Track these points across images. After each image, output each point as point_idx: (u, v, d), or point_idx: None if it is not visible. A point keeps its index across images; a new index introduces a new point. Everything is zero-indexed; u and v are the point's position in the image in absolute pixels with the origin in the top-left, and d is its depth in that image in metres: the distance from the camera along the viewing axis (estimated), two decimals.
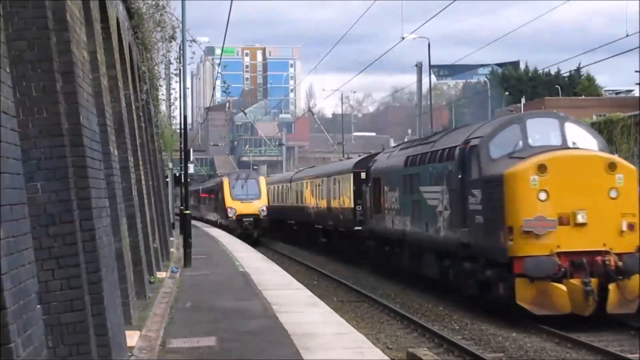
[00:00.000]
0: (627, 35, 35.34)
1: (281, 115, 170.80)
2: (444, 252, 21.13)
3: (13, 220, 5.86)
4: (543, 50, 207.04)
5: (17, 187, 6.11)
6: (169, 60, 30.27)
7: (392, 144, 63.17)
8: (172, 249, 30.47)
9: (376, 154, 32.67)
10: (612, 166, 17.47)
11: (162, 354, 11.25)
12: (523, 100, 68.69)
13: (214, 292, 18.31)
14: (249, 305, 15.69)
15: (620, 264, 16.90)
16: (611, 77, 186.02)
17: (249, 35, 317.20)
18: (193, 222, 34.09)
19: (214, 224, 54.32)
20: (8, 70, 6.17)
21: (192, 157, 43.29)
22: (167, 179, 43.81)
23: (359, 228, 31.75)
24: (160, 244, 24.26)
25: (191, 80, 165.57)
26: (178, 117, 40.88)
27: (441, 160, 21.23)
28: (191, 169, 42.62)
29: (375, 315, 20.40)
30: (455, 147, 20.24)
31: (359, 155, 39.08)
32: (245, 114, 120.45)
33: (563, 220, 17.14)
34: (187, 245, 25.02)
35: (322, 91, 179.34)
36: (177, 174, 45.78)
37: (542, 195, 17.18)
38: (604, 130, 28.39)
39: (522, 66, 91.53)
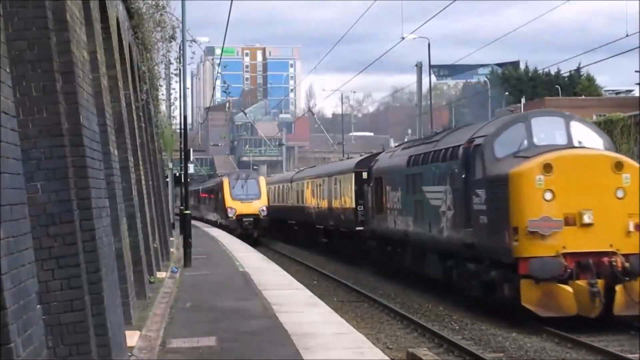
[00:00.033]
0: (627, 35, 35.36)
1: (281, 115, 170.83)
2: (447, 253, 20.87)
3: (13, 220, 5.86)
4: (543, 50, 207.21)
5: (17, 187, 6.11)
6: (169, 60, 30.30)
7: (392, 144, 63.21)
8: (172, 249, 30.47)
9: (378, 154, 32.46)
10: (618, 165, 17.20)
11: (162, 354, 11.25)
12: (523, 100, 68.69)
13: (214, 292, 18.30)
14: (249, 305, 15.69)
15: (627, 265, 16.60)
16: (611, 77, 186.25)
17: (249, 35, 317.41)
18: (193, 222, 34.09)
19: (214, 224, 54.33)
20: (8, 70, 6.17)
21: (192, 157, 43.30)
22: (167, 179, 43.82)
23: (361, 228, 31.51)
24: (160, 244, 24.26)
25: (191, 80, 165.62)
26: (178, 117, 40.94)
27: (444, 160, 20.97)
28: (191, 169, 42.63)
29: (375, 315, 20.40)
30: (459, 146, 19.98)
31: (361, 155, 38.89)
32: (245, 114, 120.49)
33: (569, 221, 16.90)
34: (187, 245, 25.02)
35: (322, 91, 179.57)
36: (177, 174, 45.78)
37: (548, 195, 16.95)
38: (604, 130, 28.36)
39: (522, 66, 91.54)
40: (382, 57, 49.71)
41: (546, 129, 18.46)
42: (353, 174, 33.59)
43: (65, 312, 7.97)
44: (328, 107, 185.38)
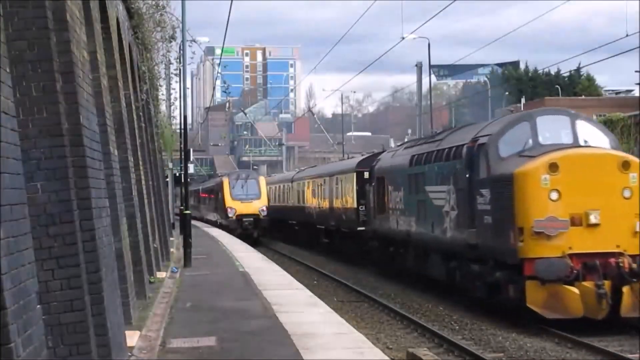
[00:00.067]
0: (627, 35, 35.34)
1: (281, 115, 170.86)
2: (451, 253, 20.59)
3: (13, 220, 5.86)
4: (543, 50, 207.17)
5: (17, 187, 6.11)
6: (169, 60, 30.30)
7: (392, 144, 63.20)
8: (172, 249, 30.47)
9: (380, 153, 32.22)
10: (625, 165, 16.94)
11: (162, 354, 11.25)
12: (523, 100, 68.71)
13: (214, 292, 18.31)
14: (249, 305, 15.69)
15: (634, 265, 16.32)
16: (611, 77, 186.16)
17: (249, 35, 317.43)
18: (193, 222, 34.08)
19: (214, 224, 54.32)
20: (8, 70, 6.17)
21: (192, 157, 43.29)
22: (167, 179, 43.82)
23: (362, 228, 31.24)
24: (160, 244, 24.26)
25: (191, 80, 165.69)
26: (178, 117, 40.94)
27: (448, 159, 20.68)
28: (191, 169, 42.62)
29: (375, 315, 20.40)
30: (463, 145, 19.71)
31: (362, 155, 38.75)
32: (245, 114, 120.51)
33: (575, 221, 16.65)
34: (187, 245, 25.03)
35: (322, 91, 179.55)
36: (177, 174, 45.79)
37: (554, 195, 16.70)
38: None
39: (522, 66, 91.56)
40: (382, 57, 49.73)
41: (551, 127, 18.18)
42: (355, 174, 33.34)
43: (65, 312, 7.97)
44: (328, 107, 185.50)
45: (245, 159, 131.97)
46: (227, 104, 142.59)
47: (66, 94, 8.62)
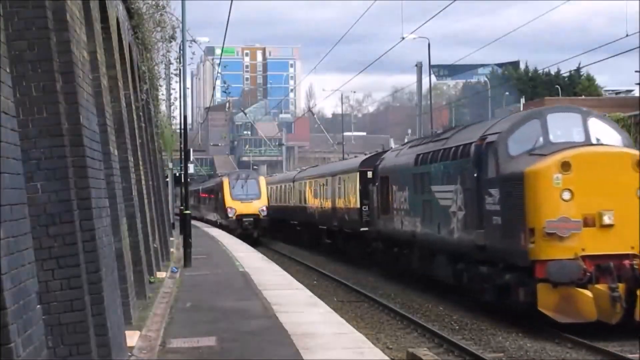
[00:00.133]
0: (627, 35, 35.36)
1: (281, 115, 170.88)
2: (458, 255, 20.07)
3: (13, 220, 5.86)
4: (543, 50, 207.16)
5: (17, 187, 6.11)
6: (169, 60, 30.29)
7: (392, 144, 63.18)
8: (172, 249, 30.48)
9: (383, 153, 31.86)
10: None
11: (162, 354, 11.25)
12: (523, 100, 68.71)
13: (214, 292, 18.31)
14: (249, 305, 15.69)
15: None
16: (611, 77, 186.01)
17: (249, 35, 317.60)
18: (193, 222, 34.10)
19: (214, 224, 54.33)
20: (8, 70, 6.17)
21: (192, 157, 43.30)
22: (167, 179, 43.82)
23: (366, 229, 30.72)
24: (160, 244, 24.26)
25: (191, 80, 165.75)
26: (178, 117, 40.92)
27: (455, 158, 20.17)
28: (191, 169, 42.64)
29: (375, 315, 20.40)
30: (471, 143, 19.16)
31: (365, 154, 38.52)
32: (245, 114, 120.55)
33: (588, 222, 16.17)
34: (187, 245, 25.03)
35: (322, 91, 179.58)
36: (177, 174, 45.79)
37: (566, 195, 16.22)
38: None
39: (522, 66, 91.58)
40: (382, 57, 49.67)
41: (562, 125, 17.70)
42: (358, 173, 32.94)
43: (65, 312, 7.97)
44: (328, 107, 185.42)
45: (245, 159, 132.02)
46: (227, 104, 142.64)
47: (66, 94, 8.62)
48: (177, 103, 36.22)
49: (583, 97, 70.53)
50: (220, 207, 50.93)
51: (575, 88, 76.94)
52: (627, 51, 35.27)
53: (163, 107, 39.22)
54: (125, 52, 17.94)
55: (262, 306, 15.63)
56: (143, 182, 19.33)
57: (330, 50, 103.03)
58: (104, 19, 13.90)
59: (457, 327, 17.86)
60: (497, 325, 17.51)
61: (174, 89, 40.80)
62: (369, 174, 30.73)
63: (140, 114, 21.82)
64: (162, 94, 35.88)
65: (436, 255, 22.03)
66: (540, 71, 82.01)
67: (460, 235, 19.64)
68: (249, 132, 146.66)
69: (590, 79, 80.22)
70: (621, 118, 30.19)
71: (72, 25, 9.12)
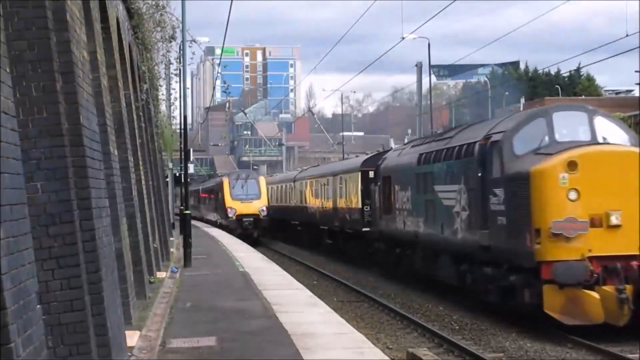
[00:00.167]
0: (627, 35, 35.35)
1: (281, 115, 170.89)
2: (462, 256, 19.81)
3: (13, 220, 5.86)
4: (543, 50, 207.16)
5: (17, 187, 6.11)
6: (169, 60, 30.28)
7: (392, 143, 63.16)
8: (172, 249, 30.48)
9: (385, 152, 31.64)
10: None
11: (162, 354, 11.25)
12: (523, 100, 68.71)
13: (214, 292, 18.31)
14: (249, 305, 15.69)
15: None
16: (611, 77, 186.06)
17: (249, 35, 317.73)
18: (193, 222, 34.09)
19: (214, 224, 54.33)
20: (8, 70, 6.17)
21: (192, 157, 43.30)
22: (167, 179, 43.82)
23: (367, 229, 30.46)
24: (160, 244, 24.26)
25: (191, 80, 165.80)
26: (178, 117, 40.92)
27: (458, 157, 19.90)
28: (191, 169, 42.64)
29: (375, 315, 20.40)
30: (475, 143, 18.91)
31: (367, 154, 38.34)
32: (245, 114, 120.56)
33: (595, 222, 15.88)
34: (187, 245, 25.03)
35: (322, 91, 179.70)
36: (177, 174, 45.79)
37: (573, 195, 15.95)
38: None
39: (522, 66, 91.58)
40: (382, 57, 49.65)
41: (568, 124, 17.39)
42: (359, 173, 32.67)
43: (65, 312, 7.97)
44: (328, 107, 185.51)
45: (245, 159, 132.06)
46: (227, 104, 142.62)
47: (66, 94, 8.62)
48: (177, 103, 36.24)
49: (583, 97, 70.56)
50: (220, 207, 50.93)
51: (575, 88, 76.94)
52: (627, 51, 35.27)
53: (163, 107, 39.23)
54: (125, 52, 17.94)
55: (262, 306, 15.63)
56: (143, 182, 19.33)
57: (330, 50, 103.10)
58: (104, 19, 13.90)
59: (457, 327, 17.86)
60: (497, 326, 17.51)
61: (174, 89, 40.84)
62: (371, 174, 30.48)
63: (140, 114, 21.82)
64: (162, 94, 35.91)
65: (439, 256, 21.80)
66: (540, 71, 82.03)
67: (464, 235, 19.40)
68: (249, 132, 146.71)
69: (590, 79, 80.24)
70: (621, 118, 30.19)
71: (72, 25, 9.12)
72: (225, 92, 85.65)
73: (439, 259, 21.86)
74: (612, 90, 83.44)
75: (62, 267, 8.02)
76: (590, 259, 15.75)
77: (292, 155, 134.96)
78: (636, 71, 67.25)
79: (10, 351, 5.45)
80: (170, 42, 26.79)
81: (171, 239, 34.70)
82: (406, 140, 55.86)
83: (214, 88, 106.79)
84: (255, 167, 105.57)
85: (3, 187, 5.66)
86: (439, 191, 21.37)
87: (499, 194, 17.39)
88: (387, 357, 10.99)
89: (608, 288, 15.51)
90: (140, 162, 18.96)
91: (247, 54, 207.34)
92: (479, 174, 18.33)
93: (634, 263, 15.72)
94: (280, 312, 14.66)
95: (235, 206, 47.98)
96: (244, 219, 47.33)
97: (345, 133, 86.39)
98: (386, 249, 27.65)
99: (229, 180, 49.19)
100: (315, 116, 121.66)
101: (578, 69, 76.54)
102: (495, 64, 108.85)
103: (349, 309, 21.24)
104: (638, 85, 72.17)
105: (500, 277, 17.47)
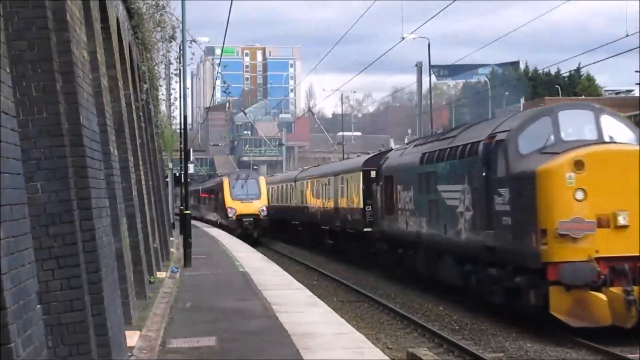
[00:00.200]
0: (627, 35, 35.34)
1: (281, 115, 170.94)
2: (466, 256, 19.53)
3: (13, 220, 5.86)
4: (543, 50, 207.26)
5: (17, 187, 6.11)
6: (169, 60, 30.27)
7: (392, 144, 63.17)
8: (172, 249, 30.48)
9: (387, 152, 31.43)
10: None
11: (162, 354, 11.25)
12: (523, 100, 68.73)
13: (214, 292, 18.31)
14: (249, 305, 15.69)
15: None
16: (611, 77, 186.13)
17: (249, 35, 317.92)
18: (193, 222, 34.09)
19: (214, 224, 54.33)
20: (8, 70, 6.17)
21: (192, 157, 43.29)
22: (167, 179, 43.82)
23: (369, 229, 30.22)
24: (160, 244, 24.26)
25: (191, 80, 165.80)
26: (178, 117, 40.92)
27: (462, 157, 19.62)
28: (191, 169, 42.63)
29: (375, 315, 20.40)
30: (479, 142, 18.61)
31: (369, 153, 38.16)
32: (245, 114, 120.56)
33: (602, 222, 15.62)
34: (187, 245, 25.03)
35: (322, 91, 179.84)
36: (177, 174, 45.80)
37: (579, 195, 15.68)
38: None
39: (522, 66, 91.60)
40: (382, 57, 49.61)
41: (574, 123, 17.12)
42: (361, 173, 32.42)
43: (65, 312, 7.97)
44: (328, 107, 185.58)
45: (245, 159, 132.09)
46: (227, 104, 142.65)
47: (66, 94, 8.62)
48: (177, 103, 36.21)
49: (583, 97, 70.58)
50: (220, 207, 50.93)
51: (575, 88, 76.98)
52: (627, 51, 35.26)
53: (163, 107, 39.23)
54: (125, 52, 17.94)
55: (262, 306, 15.63)
56: (143, 182, 19.33)
57: (330, 50, 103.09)
58: (104, 19, 13.90)
59: (457, 327, 17.86)
60: (497, 326, 17.51)
61: (174, 89, 40.80)
62: (373, 174, 30.25)
63: (140, 114, 21.82)
64: (162, 94, 35.90)
65: (442, 256, 21.60)
66: (540, 71, 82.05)
67: (468, 236, 19.15)
68: (249, 132, 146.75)
69: (590, 79, 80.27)
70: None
71: (72, 25, 9.12)
72: (225, 92, 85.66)
73: (442, 260, 21.65)
74: (612, 90, 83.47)
75: (62, 267, 8.02)
76: (598, 260, 15.51)
77: (292, 155, 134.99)
78: (636, 71, 67.27)
79: (10, 351, 5.45)
80: (170, 42, 26.80)
81: (171, 239, 34.70)
82: (406, 140, 55.88)
83: (214, 88, 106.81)
84: (255, 167, 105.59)
85: (3, 187, 5.66)
86: (442, 191, 21.13)
87: (504, 193, 17.14)
88: (387, 357, 10.99)
89: (615, 290, 15.29)
90: (140, 162, 18.96)
91: (247, 54, 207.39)
92: (484, 174, 18.09)
93: None
94: (280, 312, 14.66)
95: (235, 206, 47.98)
96: (244, 219, 47.33)
97: (346, 133, 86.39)
98: (388, 249, 27.41)
99: (229, 180, 49.19)
100: (315, 116, 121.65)
101: (578, 69, 76.58)
102: (495, 64, 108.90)
103: (349, 309, 21.23)
104: (638, 85, 72.20)
105: (505, 278, 17.24)
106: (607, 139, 16.90)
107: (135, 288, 14.24)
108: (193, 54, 29.58)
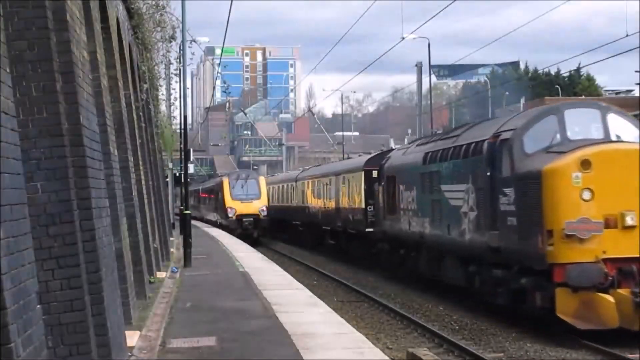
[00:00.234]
0: (627, 35, 35.35)
1: (281, 115, 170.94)
2: (470, 257, 19.27)
3: (13, 220, 5.86)
4: (543, 50, 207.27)
5: (17, 187, 6.11)
6: (169, 60, 30.26)
7: (392, 144, 63.17)
8: (172, 249, 30.48)
9: (389, 151, 31.26)
10: None
11: (162, 354, 11.25)
12: (523, 100, 68.73)
13: (214, 292, 18.31)
14: (249, 305, 15.70)
15: None
16: (611, 77, 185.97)
17: (249, 35, 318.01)
18: (193, 222, 34.09)
19: (214, 224, 54.32)
20: (8, 70, 6.17)
21: (192, 157, 43.28)
22: (167, 179, 43.82)
23: (371, 230, 29.98)
24: (160, 244, 24.26)
25: (191, 80, 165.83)
26: (178, 117, 40.91)
27: (466, 156, 19.35)
28: (191, 169, 42.63)
29: (375, 315, 20.40)
30: (483, 141, 18.37)
31: (371, 153, 38.01)
32: (245, 114, 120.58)
33: (610, 223, 15.35)
34: (187, 245, 25.03)
35: (322, 91, 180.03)
36: (177, 174, 45.80)
37: (586, 195, 15.42)
38: None
39: (522, 66, 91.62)
40: (382, 57, 49.60)
41: (580, 121, 16.86)
42: (363, 173, 32.19)
43: (65, 312, 7.97)
44: (328, 107, 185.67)
45: (245, 159, 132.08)
46: (227, 104, 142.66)
47: (66, 94, 8.62)
48: (177, 103, 36.20)
49: (583, 97, 70.58)
50: (220, 207, 50.92)
51: (575, 88, 76.97)
52: (627, 51, 35.27)
53: (163, 107, 39.22)
54: (125, 52, 17.94)
55: (262, 306, 15.63)
56: (143, 182, 19.33)
57: (330, 50, 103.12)
58: (104, 19, 13.90)
59: (457, 327, 17.86)
60: (497, 326, 17.50)
61: (174, 89, 40.78)
62: (374, 174, 30.06)
63: (140, 114, 21.82)
64: (162, 94, 35.89)
65: (445, 257, 21.41)
66: (540, 71, 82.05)
67: (472, 236, 18.88)
68: (249, 132, 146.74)
69: (590, 79, 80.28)
70: None
71: (72, 25, 9.12)
72: (225, 92, 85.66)
73: (445, 261, 21.46)
74: (612, 90, 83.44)
75: (62, 267, 8.02)
76: (605, 261, 15.27)
77: (292, 155, 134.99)
78: (636, 71, 67.25)
79: (10, 351, 5.45)
80: (170, 42, 26.80)
81: (171, 239, 34.70)
82: (406, 141, 55.86)
83: (214, 88, 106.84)
84: (255, 167, 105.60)
85: (3, 187, 5.66)
86: (445, 191, 20.90)
87: (509, 193, 16.87)
88: (387, 357, 10.99)
89: (623, 291, 15.05)
90: (140, 162, 18.96)
91: (247, 54, 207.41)
92: (488, 173, 17.82)
93: None
94: (280, 312, 14.66)
95: (235, 206, 47.98)
96: (244, 219, 47.32)
97: (341, 133, 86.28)
98: (390, 249, 27.22)
99: (229, 180, 49.18)
100: (315, 116, 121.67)
101: (578, 69, 76.57)
102: (495, 64, 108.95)
103: (349, 309, 21.23)
104: (638, 85, 72.18)
105: (510, 280, 17.00)
106: (614, 138, 16.64)
107: (135, 288, 14.24)
108: (193, 54, 29.60)
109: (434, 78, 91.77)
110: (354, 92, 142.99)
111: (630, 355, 14.16)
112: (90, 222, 8.83)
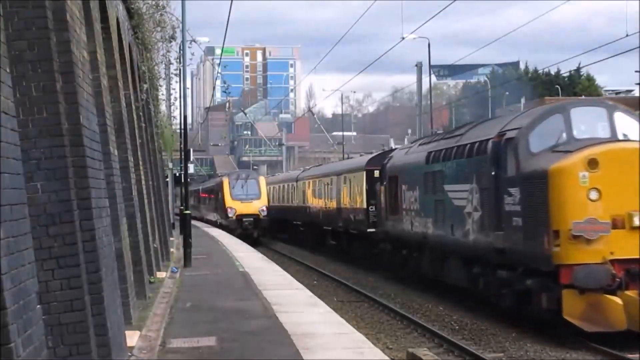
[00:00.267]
0: (627, 35, 35.30)
1: (281, 115, 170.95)
2: (474, 258, 19.01)
3: (13, 220, 5.86)
4: (543, 50, 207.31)
5: (17, 187, 6.11)
6: (169, 60, 30.26)
7: (392, 144, 63.15)
8: (172, 249, 30.48)
9: (391, 151, 31.11)
10: None
11: (162, 354, 11.25)
12: (523, 100, 68.74)
13: (214, 292, 18.31)
14: (249, 305, 15.70)
15: None
16: (611, 77, 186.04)
17: (249, 35, 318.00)
18: (193, 222, 34.09)
19: (214, 224, 54.32)
20: (8, 70, 6.17)
21: (192, 157, 43.28)
22: (167, 179, 43.82)
23: (373, 230, 29.76)
24: (160, 244, 24.26)
25: (191, 80, 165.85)
26: (178, 117, 40.89)
27: (470, 156, 19.08)
28: (191, 169, 42.64)
29: (375, 315, 20.40)
30: (488, 140, 18.10)
31: (372, 152, 37.90)
32: (245, 114, 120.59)
33: (617, 223, 15.10)
34: (187, 245, 25.03)
35: (322, 91, 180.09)
36: (177, 174, 45.80)
37: (593, 195, 15.17)
38: None
39: (522, 66, 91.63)
40: (382, 57, 49.55)
41: (587, 120, 16.59)
42: (364, 173, 31.97)
43: (65, 312, 7.97)
44: (328, 107, 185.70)
45: (245, 159, 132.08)
46: (227, 104, 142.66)
47: (66, 94, 8.62)
48: (177, 103, 36.17)
49: (583, 97, 70.57)
50: (220, 207, 50.92)
51: (575, 88, 76.96)
52: (627, 51, 35.19)
53: (163, 107, 39.22)
54: (125, 52, 17.94)
55: (262, 306, 15.63)
56: (143, 182, 19.33)
57: (330, 50, 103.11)
58: (104, 19, 13.90)
59: (457, 327, 17.86)
60: (497, 326, 17.50)
61: (174, 89, 40.78)
62: (376, 173, 29.82)
63: (140, 114, 21.82)
64: (162, 94, 35.89)
65: (449, 258, 21.17)
66: (540, 71, 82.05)
67: (476, 237, 18.60)
68: (249, 132, 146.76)
69: (590, 79, 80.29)
70: None
71: (72, 25, 9.12)
72: (225, 92, 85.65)
73: (448, 262, 21.24)
74: (612, 90, 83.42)
75: (62, 267, 8.02)
76: (612, 262, 15.06)
77: (292, 155, 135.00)
78: (636, 71, 67.25)
79: (10, 351, 5.45)
80: (170, 42, 26.80)
81: (171, 239, 34.70)
82: (406, 141, 55.85)
83: (214, 88, 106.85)
84: (255, 167, 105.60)
85: (3, 187, 5.66)
86: (449, 191, 20.65)
87: (515, 193, 16.62)
88: (387, 357, 11.00)
89: (631, 293, 14.87)
90: (140, 162, 18.96)
91: (247, 54, 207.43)
92: (493, 173, 17.57)
93: None
94: (280, 312, 14.66)
95: (235, 206, 47.98)
96: (244, 219, 47.32)
97: (339, 133, 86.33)
98: (392, 250, 26.99)
99: (229, 180, 49.18)
100: (315, 116, 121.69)
101: (578, 69, 76.56)
102: (495, 64, 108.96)
103: (349, 309, 21.23)
104: (638, 85, 72.17)
105: (516, 281, 16.75)
106: (621, 137, 16.38)
107: (135, 288, 14.24)
108: (193, 54, 29.57)
109: (434, 78, 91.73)
110: (354, 92, 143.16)
111: (630, 356, 14.15)
112: (90, 222, 8.83)
